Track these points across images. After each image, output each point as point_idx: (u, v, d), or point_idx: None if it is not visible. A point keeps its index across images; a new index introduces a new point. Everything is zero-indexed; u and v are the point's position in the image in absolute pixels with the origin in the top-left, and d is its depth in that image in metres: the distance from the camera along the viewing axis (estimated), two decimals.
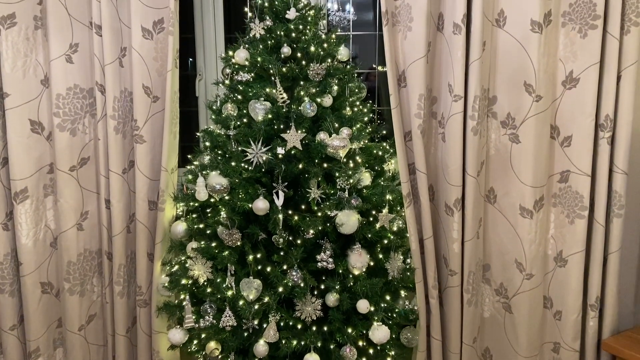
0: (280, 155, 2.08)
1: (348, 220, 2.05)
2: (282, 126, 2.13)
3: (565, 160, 2.16)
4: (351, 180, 2.11)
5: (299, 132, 2.08)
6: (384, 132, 2.51)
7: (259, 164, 2.09)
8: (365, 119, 2.31)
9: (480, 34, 2.04)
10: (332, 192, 2.12)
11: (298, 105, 2.11)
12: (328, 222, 2.09)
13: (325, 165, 2.12)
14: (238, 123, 2.17)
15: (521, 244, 2.21)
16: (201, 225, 2.18)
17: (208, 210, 2.22)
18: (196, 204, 2.23)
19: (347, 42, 3.11)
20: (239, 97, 2.20)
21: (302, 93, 2.11)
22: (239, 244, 2.09)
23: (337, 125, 2.13)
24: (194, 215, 2.25)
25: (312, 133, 2.13)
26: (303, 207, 2.14)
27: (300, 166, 2.10)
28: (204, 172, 2.16)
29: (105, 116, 2.27)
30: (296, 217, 2.08)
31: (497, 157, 2.23)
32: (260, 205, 2.04)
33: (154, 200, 2.34)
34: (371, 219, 2.18)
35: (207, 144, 2.27)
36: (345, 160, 2.13)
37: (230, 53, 2.24)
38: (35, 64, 2.26)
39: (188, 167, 2.34)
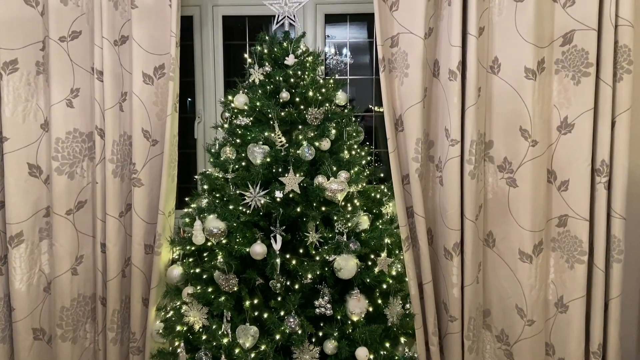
0: (278, 199, 2.08)
1: (346, 265, 2.03)
2: (280, 170, 2.14)
3: (563, 204, 2.16)
4: (349, 224, 2.11)
5: (297, 175, 2.08)
6: (382, 174, 2.52)
7: (256, 207, 2.09)
8: (363, 162, 2.32)
9: (476, 80, 2.08)
10: (330, 235, 2.10)
11: (296, 149, 2.12)
12: (326, 267, 2.07)
13: (323, 208, 2.12)
14: (236, 166, 2.18)
15: (521, 289, 2.18)
16: (197, 270, 2.15)
17: (205, 254, 2.20)
18: (193, 248, 2.22)
19: (345, 86, 3.16)
20: (238, 140, 2.22)
21: (300, 137, 2.13)
22: (235, 289, 2.06)
23: (335, 168, 2.14)
24: (190, 260, 2.23)
25: (310, 176, 2.14)
26: (301, 251, 2.12)
27: (299, 210, 2.10)
28: (201, 216, 2.15)
29: (104, 159, 2.27)
30: (294, 262, 2.06)
31: (495, 201, 2.23)
32: (258, 249, 2.02)
33: (150, 243, 2.33)
34: (369, 263, 2.16)
35: (205, 187, 2.27)
36: (343, 203, 2.13)
37: (230, 97, 2.27)
38: (36, 109, 2.28)
39: (185, 209, 2.34)
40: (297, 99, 2.20)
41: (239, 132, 2.22)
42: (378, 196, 2.33)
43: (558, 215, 2.19)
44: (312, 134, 2.15)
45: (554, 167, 2.17)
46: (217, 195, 2.22)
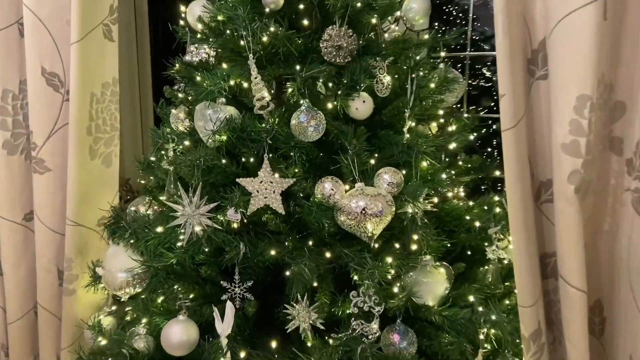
0: (235, 225, 0.95)
1: None
2: (251, 159, 1.00)
3: None
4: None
5: (277, 175, 0.93)
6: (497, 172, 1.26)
7: (195, 238, 0.98)
8: (452, 146, 1.08)
9: None
10: (349, 312, 0.93)
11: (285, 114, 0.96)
12: None
13: (328, 255, 0.94)
14: (179, 146, 1.09)
15: None
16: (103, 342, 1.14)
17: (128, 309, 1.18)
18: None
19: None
20: (188, 95, 1.12)
21: (291, 90, 0.96)
22: None
23: (372, 162, 0.95)
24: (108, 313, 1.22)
25: (316, 177, 0.97)
26: (277, 339, 0.98)
27: (280, 249, 0.95)
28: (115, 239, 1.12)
29: None
30: None
31: None
32: (175, 335, 0.93)
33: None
34: None
35: (144, 181, 1.23)
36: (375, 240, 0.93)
37: (183, 8, 1.17)
38: None
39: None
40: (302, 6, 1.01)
41: (197, 77, 1.11)
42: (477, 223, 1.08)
43: None
44: (330, 85, 0.97)
45: None
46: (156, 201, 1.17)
